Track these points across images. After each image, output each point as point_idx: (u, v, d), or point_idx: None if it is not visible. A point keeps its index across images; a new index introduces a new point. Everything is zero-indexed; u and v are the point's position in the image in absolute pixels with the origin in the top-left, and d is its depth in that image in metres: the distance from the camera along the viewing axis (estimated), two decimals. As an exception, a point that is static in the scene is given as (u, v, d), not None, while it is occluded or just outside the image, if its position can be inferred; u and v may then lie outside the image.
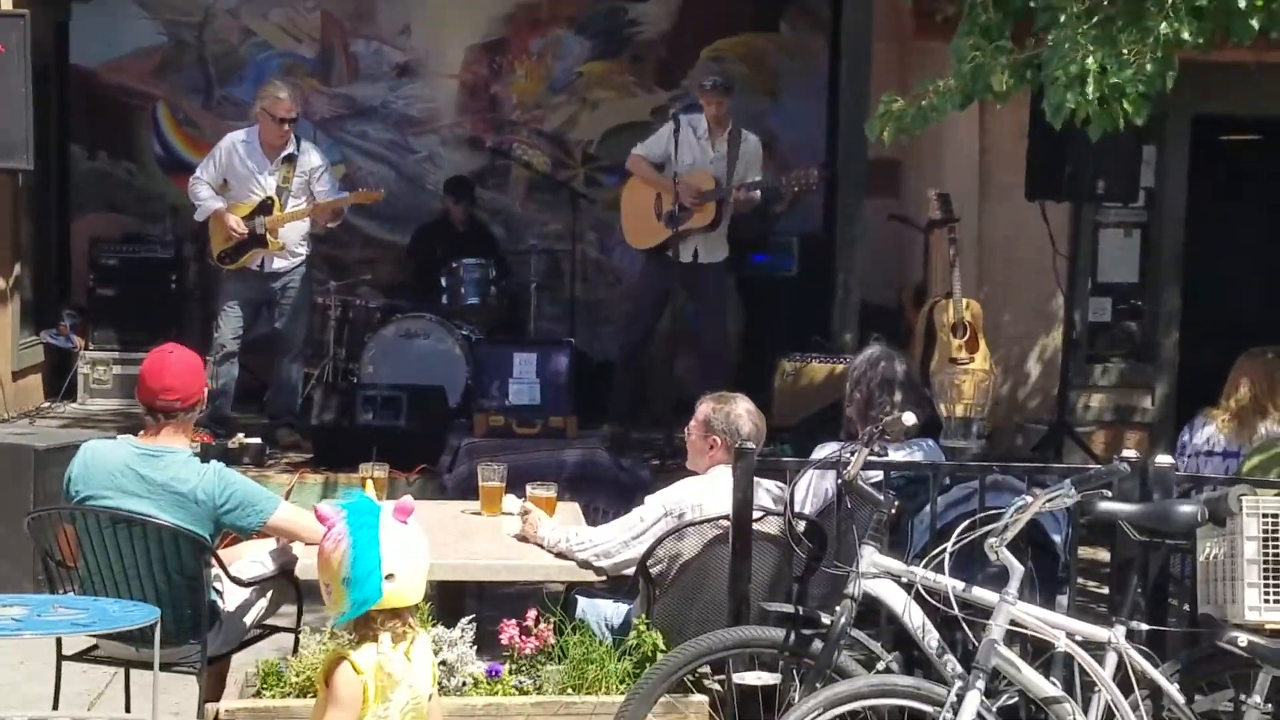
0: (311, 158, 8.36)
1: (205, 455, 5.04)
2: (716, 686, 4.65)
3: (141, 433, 4.82)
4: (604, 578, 4.92)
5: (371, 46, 10.63)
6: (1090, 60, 5.01)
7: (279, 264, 8.34)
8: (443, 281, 9.32)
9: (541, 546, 4.95)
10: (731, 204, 8.33)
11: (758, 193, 8.42)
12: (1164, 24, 5.07)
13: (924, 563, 4.20)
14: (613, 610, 5.05)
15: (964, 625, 4.15)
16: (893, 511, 4.37)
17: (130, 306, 9.61)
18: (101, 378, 9.49)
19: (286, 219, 8.24)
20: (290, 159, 8.27)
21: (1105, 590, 5.10)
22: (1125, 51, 5.06)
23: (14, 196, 8.96)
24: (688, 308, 8.63)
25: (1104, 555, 5.10)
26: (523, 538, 5.03)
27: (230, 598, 4.88)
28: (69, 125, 10.22)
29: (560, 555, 4.90)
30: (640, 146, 8.57)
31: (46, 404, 9.44)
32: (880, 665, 4.25)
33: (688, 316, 8.69)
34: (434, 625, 4.50)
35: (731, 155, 8.35)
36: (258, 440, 7.94)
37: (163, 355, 4.80)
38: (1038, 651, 4.23)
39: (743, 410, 5.06)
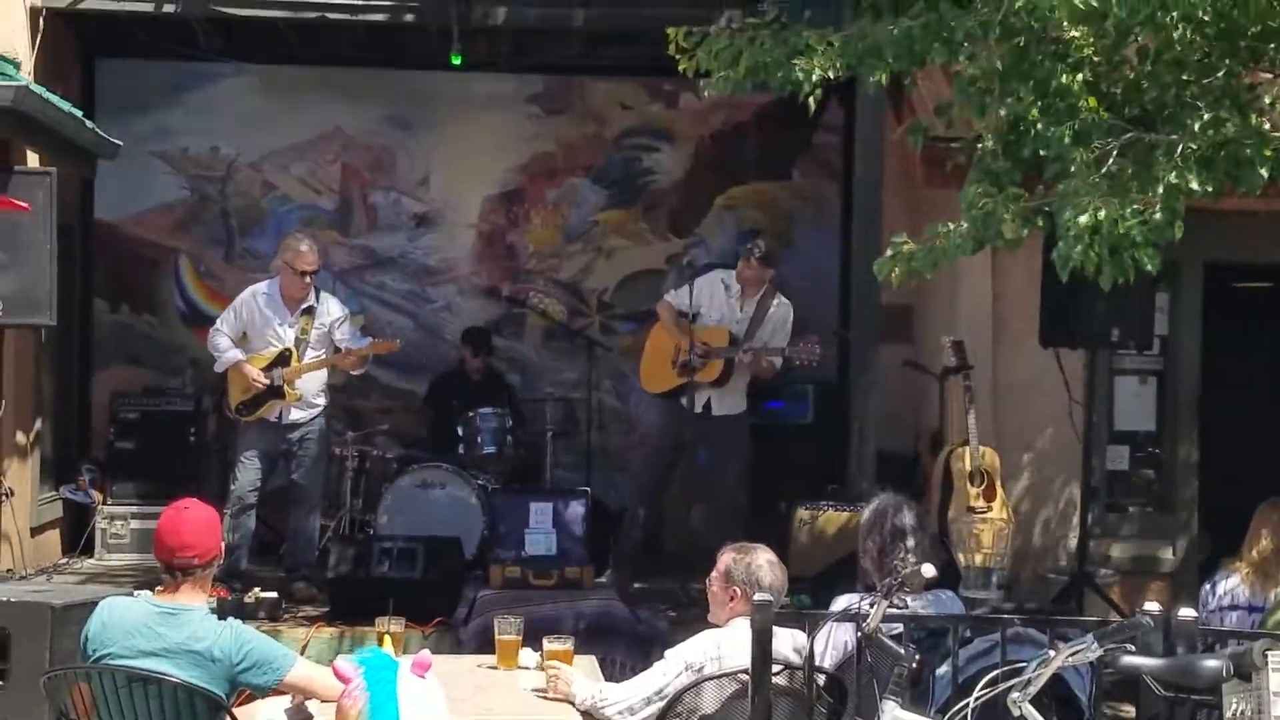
0: (330, 308, 8.45)
1: (221, 611, 5.01)
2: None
3: (158, 589, 4.80)
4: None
5: (390, 198, 10.79)
6: (1102, 213, 5.06)
7: (296, 415, 8.38)
8: (459, 431, 9.36)
9: (570, 703, 4.92)
10: (743, 365, 8.37)
11: (779, 361, 8.44)
12: (1173, 174, 5.14)
13: (946, 718, 4.16)
14: (632, 767, 4.99)
15: (988, 783, 4.10)
16: (914, 665, 4.33)
17: (149, 460, 9.62)
18: (119, 532, 9.48)
19: (303, 370, 8.30)
20: (310, 310, 8.36)
21: (1131, 746, 5.03)
22: (1135, 202, 5.11)
23: (36, 352, 9.04)
24: (700, 457, 8.64)
25: (1129, 710, 5.04)
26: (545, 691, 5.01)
27: (246, 758, 4.83)
28: (92, 279, 10.35)
29: (586, 713, 4.87)
30: (672, 293, 8.68)
31: (64, 560, 9.41)
32: (904, 824, 4.19)
33: (701, 466, 8.70)
34: (451, 784, 4.44)
35: (756, 318, 8.42)
36: (273, 594, 7.91)
37: (178, 512, 4.78)
38: (1064, 811, 4.17)
39: (764, 561, 5.04)
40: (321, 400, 8.49)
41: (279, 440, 8.40)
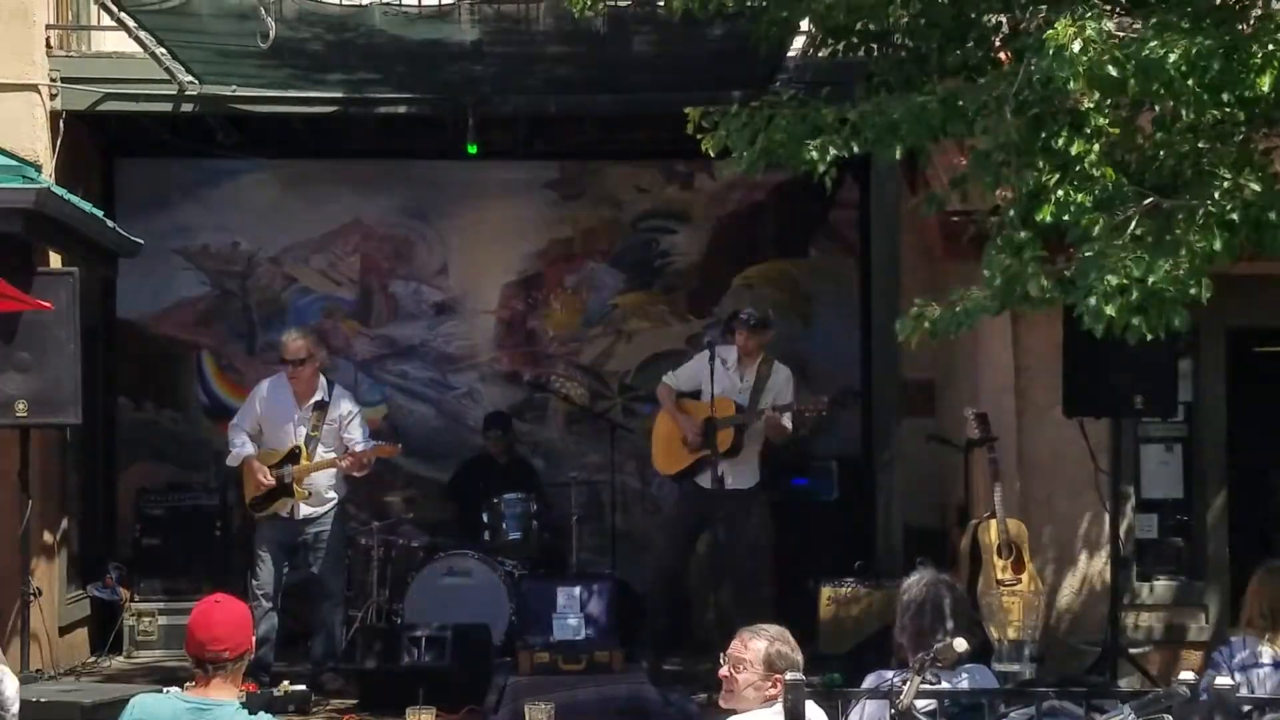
0: (342, 406, 8.54)
1: (251, 706, 5.00)
2: None
3: (189, 685, 4.79)
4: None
5: (410, 287, 10.83)
6: (1134, 269, 5.07)
7: (307, 511, 8.46)
8: (484, 517, 9.36)
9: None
10: (755, 431, 8.48)
11: (788, 421, 8.51)
12: (1195, 237, 5.15)
13: (985, 795, 4.11)
14: None
15: None
16: (949, 742, 4.30)
17: (176, 556, 9.64)
18: (147, 629, 9.46)
19: (311, 469, 8.39)
20: (321, 405, 8.45)
21: (1173, 819, 4.95)
22: (1161, 264, 5.12)
23: (61, 451, 9.08)
24: (719, 534, 8.66)
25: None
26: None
27: None
28: (115, 377, 10.39)
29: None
30: (670, 375, 8.84)
31: (92, 658, 9.40)
32: None
33: (721, 543, 8.71)
34: None
35: (758, 385, 8.54)
36: (302, 687, 7.84)
37: (210, 606, 4.79)
38: None
39: (790, 640, 5.00)
40: (333, 495, 8.56)
41: (294, 534, 8.47)
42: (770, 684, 4.93)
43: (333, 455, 8.46)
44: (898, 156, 6.14)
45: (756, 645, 4.96)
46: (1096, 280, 5.10)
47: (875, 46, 7.12)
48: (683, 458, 8.61)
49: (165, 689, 5.02)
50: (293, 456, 8.41)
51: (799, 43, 8.16)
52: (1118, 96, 5.29)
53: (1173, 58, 4.95)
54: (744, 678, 4.99)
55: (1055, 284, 5.53)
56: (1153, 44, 5.00)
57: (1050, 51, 5.10)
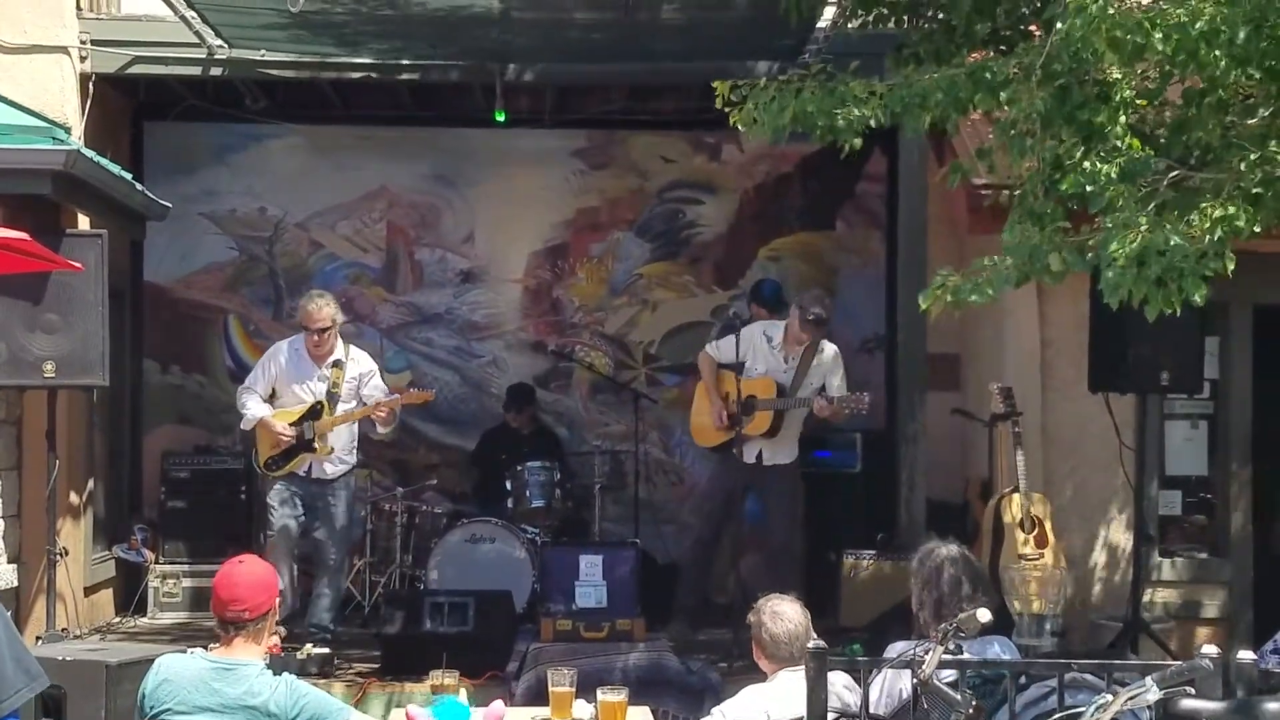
0: (360, 363, 8.52)
1: (275, 667, 5.03)
2: None
3: (213, 645, 4.84)
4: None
5: (436, 255, 10.84)
6: (1154, 237, 5.04)
7: (328, 469, 8.42)
8: (508, 485, 9.38)
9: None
10: (796, 416, 8.41)
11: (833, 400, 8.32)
12: (1217, 211, 5.12)
13: (1004, 766, 4.12)
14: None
15: (1047, 831, 4.06)
16: (970, 712, 4.30)
17: (200, 518, 9.69)
18: (172, 591, 9.53)
19: (335, 422, 8.36)
20: (339, 364, 8.44)
21: (1192, 792, 4.95)
22: (1182, 233, 5.09)
23: (88, 412, 9.13)
24: (752, 506, 8.64)
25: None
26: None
27: (302, 813, 4.82)
28: (142, 340, 10.44)
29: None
30: (712, 345, 8.72)
31: (117, 619, 9.47)
32: None
33: (753, 515, 8.69)
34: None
35: (803, 368, 8.37)
36: (325, 650, 7.94)
37: (233, 567, 4.85)
38: None
39: (770, 611, 5.04)
40: (351, 458, 8.54)
41: (307, 493, 8.44)
42: (756, 646, 5.01)
43: (355, 408, 8.45)
44: (924, 127, 6.10)
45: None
46: (1117, 251, 5.08)
47: (906, 18, 7.09)
48: (718, 433, 8.55)
49: (190, 649, 5.06)
50: (314, 413, 8.38)
51: (829, 14, 8.13)
52: (1142, 63, 5.25)
53: (1198, 25, 4.91)
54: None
55: (1076, 255, 5.51)
56: (1179, 10, 4.95)
57: (1073, 11, 5.06)
